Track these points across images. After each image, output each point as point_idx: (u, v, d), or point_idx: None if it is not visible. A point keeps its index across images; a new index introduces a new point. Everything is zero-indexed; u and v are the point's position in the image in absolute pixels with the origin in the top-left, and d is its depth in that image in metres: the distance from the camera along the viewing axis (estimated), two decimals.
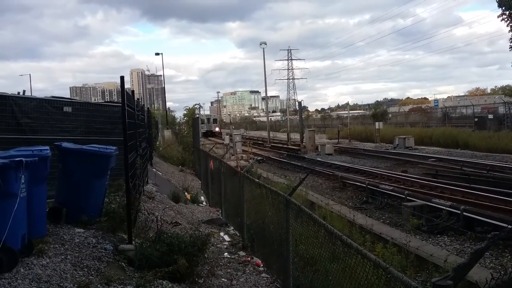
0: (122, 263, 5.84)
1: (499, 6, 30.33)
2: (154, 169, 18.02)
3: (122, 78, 6.07)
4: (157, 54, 57.86)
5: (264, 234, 7.80)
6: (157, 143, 31.41)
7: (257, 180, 8.30)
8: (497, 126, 32.19)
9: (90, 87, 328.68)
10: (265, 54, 42.71)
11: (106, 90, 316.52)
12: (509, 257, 8.00)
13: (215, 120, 73.66)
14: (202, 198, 15.99)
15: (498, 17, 30.78)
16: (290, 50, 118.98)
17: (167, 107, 71.37)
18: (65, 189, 6.65)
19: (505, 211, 10.07)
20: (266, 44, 43.03)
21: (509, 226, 6.70)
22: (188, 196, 15.32)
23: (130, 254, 5.99)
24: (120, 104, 10.73)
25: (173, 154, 27.96)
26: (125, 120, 6.24)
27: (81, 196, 6.58)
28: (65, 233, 6.21)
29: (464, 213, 9.76)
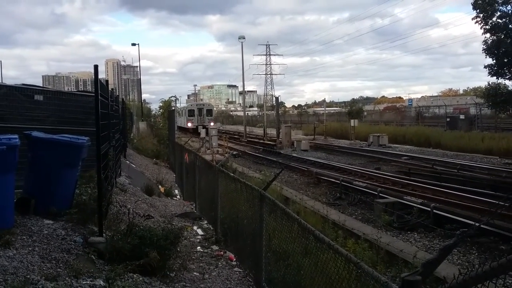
0: (92, 256, 5.72)
1: (474, 8, 30.99)
2: (127, 161, 17.77)
3: (96, 67, 5.94)
4: (133, 44, 56.91)
5: (238, 228, 7.79)
6: (132, 135, 30.99)
7: (232, 174, 8.28)
8: (468, 127, 33.01)
9: (63, 76, 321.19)
10: (244, 48, 42.63)
11: (80, 80, 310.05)
12: (476, 254, 8.22)
13: (209, 112, 53.40)
14: (176, 191, 15.87)
15: (472, 19, 31.46)
16: (269, 45, 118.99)
17: (142, 99, 70.11)
18: (34, 179, 6.48)
19: (474, 209, 10.33)
20: (244, 38, 42.93)
21: (477, 224, 6.86)
22: (162, 189, 15.17)
23: (101, 247, 5.88)
24: (94, 94, 10.56)
25: (147, 146, 27.63)
26: (98, 110, 6.11)
27: (51, 187, 6.42)
28: (33, 224, 6.06)
29: (434, 211, 9.97)
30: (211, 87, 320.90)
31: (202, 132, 30.37)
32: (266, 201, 5.61)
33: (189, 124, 50.77)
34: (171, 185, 16.69)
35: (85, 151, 6.98)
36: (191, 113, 53.21)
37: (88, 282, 4.81)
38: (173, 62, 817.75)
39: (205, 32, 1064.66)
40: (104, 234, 6.14)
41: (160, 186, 15.60)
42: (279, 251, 5.76)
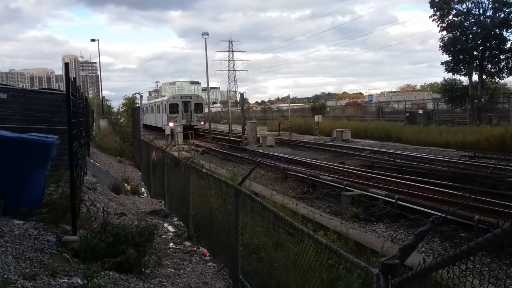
0: (66, 255, 5.67)
1: (431, 7, 32.17)
2: (92, 160, 17.43)
3: (66, 65, 5.86)
4: (93, 40, 55.49)
5: (211, 224, 7.87)
6: (94, 132, 30.32)
7: (205, 171, 8.33)
8: (426, 121, 34.23)
9: (17, 72, 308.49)
10: (207, 44, 42.29)
11: (36, 76, 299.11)
12: (438, 241, 8.64)
13: (199, 107, 41.01)
14: (143, 189, 15.73)
15: (430, 17, 32.66)
16: (232, 41, 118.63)
17: (102, 96, 68.34)
18: (3, 179, 6.32)
19: (435, 199, 10.82)
20: (208, 34, 42.70)
21: (451, 210, 7.26)
22: (129, 188, 15.00)
23: (75, 246, 5.83)
24: (60, 92, 10.36)
25: (110, 144, 27.15)
26: (69, 109, 6.03)
27: (21, 186, 6.30)
28: (4, 225, 5.92)
29: (399, 202, 10.37)
30: (173, 83, 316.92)
31: (167, 129, 30.05)
32: (242, 196, 5.72)
33: (172, 124, 34.54)
34: (138, 183, 16.53)
35: (54, 150, 6.87)
36: (173, 108, 39.71)
37: (65, 280, 4.78)
38: (134, 58, 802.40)
39: (167, 28, 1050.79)
40: (77, 233, 6.09)
41: (126, 185, 15.41)
42: (256, 244, 5.90)
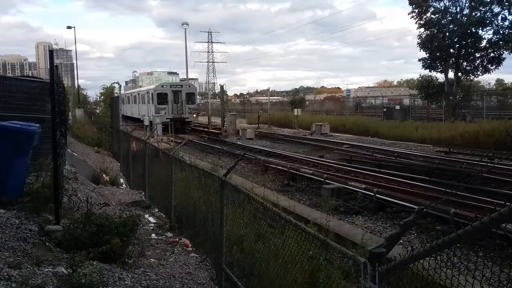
0: (49, 244, 5.65)
1: (410, 4, 32.64)
2: (69, 150, 17.17)
3: (51, 52, 5.78)
4: (69, 27, 54.23)
5: (194, 215, 7.90)
6: (69, 122, 29.79)
7: (189, 162, 8.34)
8: (403, 117, 34.84)
9: None
10: (186, 35, 41.91)
11: (8, 63, 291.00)
12: (415, 234, 8.88)
13: (191, 97, 36.79)
14: (122, 180, 15.61)
15: (408, 14, 33.16)
16: (211, 32, 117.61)
17: (78, 85, 66.90)
18: None
19: (411, 193, 11.09)
20: (188, 25, 42.40)
21: (433, 204, 7.47)
22: (107, 178, 14.87)
23: (58, 235, 5.80)
24: (40, 80, 10.18)
25: (87, 134, 26.75)
26: (54, 97, 5.95)
27: (2, 175, 6.21)
28: None
29: (377, 195, 10.59)
30: (150, 73, 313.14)
31: (146, 120, 29.73)
32: (227, 188, 5.77)
33: (158, 119, 30.44)
34: (116, 173, 16.37)
35: (36, 138, 6.79)
36: (162, 98, 35.25)
37: (50, 269, 4.77)
38: (111, 47, 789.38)
39: (145, 17, 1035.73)
40: (60, 223, 6.04)
41: (104, 175, 15.26)
42: (240, 235, 5.97)
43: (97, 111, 43.78)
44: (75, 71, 70.68)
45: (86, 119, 37.82)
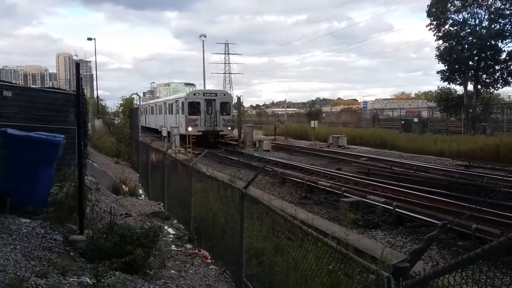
0: (73, 254, 5.75)
1: (428, 16, 32.55)
2: (89, 160, 17.45)
3: (77, 65, 5.96)
4: (89, 39, 55.59)
5: (213, 226, 7.95)
6: (89, 133, 30.28)
7: (209, 174, 8.42)
8: (421, 129, 34.51)
9: (11, 69, 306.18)
10: (204, 46, 42.34)
11: (29, 74, 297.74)
12: (436, 249, 8.78)
13: (225, 107, 32.82)
14: (140, 191, 15.75)
15: (426, 26, 33.05)
16: (228, 44, 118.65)
17: (97, 95, 67.99)
18: (10, 177, 6.39)
19: (431, 207, 10.96)
20: (206, 36, 43.02)
21: (455, 220, 7.39)
22: (126, 189, 15.04)
23: (82, 245, 5.91)
24: (64, 91, 10.43)
25: (106, 145, 27.13)
26: (79, 109, 6.11)
27: (28, 185, 6.36)
28: (11, 223, 5.99)
29: (397, 209, 10.51)
30: (168, 84, 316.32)
31: (164, 131, 30.00)
32: (247, 199, 5.82)
33: (191, 129, 30.11)
34: (135, 184, 16.54)
35: (61, 149, 6.95)
36: (194, 108, 31.57)
37: (75, 279, 4.86)
38: (129, 58, 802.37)
39: (163, 29, 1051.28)
40: (84, 233, 6.16)
41: (124, 186, 15.45)
42: (260, 248, 6.01)
43: (116, 121, 44.42)
44: (94, 82, 72.11)
45: (105, 130, 38.39)
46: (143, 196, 14.96)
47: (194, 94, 33.16)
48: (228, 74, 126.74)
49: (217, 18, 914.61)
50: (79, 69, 6.08)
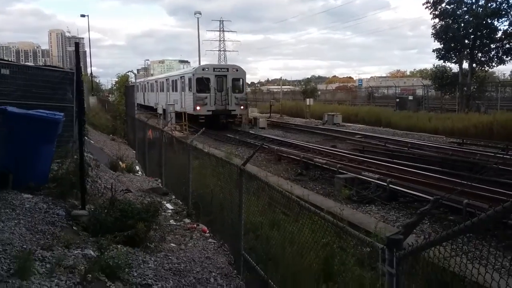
0: (76, 228, 5.91)
1: None
2: (86, 137, 17.50)
3: (77, 44, 5.98)
4: (82, 16, 55.05)
5: (211, 202, 8.12)
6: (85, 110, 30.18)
7: (207, 151, 8.55)
8: (416, 107, 34.69)
9: (2, 46, 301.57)
10: (199, 24, 41.87)
11: (22, 50, 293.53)
12: (428, 223, 9.02)
13: (237, 84, 29.97)
14: (137, 167, 15.88)
15: (423, 4, 32.86)
16: (223, 21, 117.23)
17: (91, 73, 67.41)
18: (11, 154, 6.48)
19: (425, 184, 11.18)
20: (201, 14, 42.46)
21: (447, 195, 7.61)
22: (123, 165, 15.14)
23: (84, 220, 6.06)
24: (61, 69, 10.43)
25: (102, 122, 27.14)
26: (79, 87, 6.20)
27: (29, 162, 6.47)
28: (14, 198, 6.12)
29: (390, 186, 10.72)
30: (162, 62, 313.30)
31: (159, 108, 29.92)
32: (245, 176, 5.97)
33: (199, 108, 28.09)
34: (132, 161, 16.65)
35: (61, 126, 7.03)
36: (203, 85, 28.59)
37: (79, 251, 5.03)
38: (123, 35, 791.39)
39: (157, 6, 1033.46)
40: (85, 208, 6.31)
41: (121, 163, 15.55)
42: (258, 222, 6.19)
43: (110, 99, 44.20)
44: (88, 59, 70.92)
45: (99, 107, 38.26)
46: (140, 172, 15.09)
47: (203, 69, 29.42)
48: (223, 52, 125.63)
49: None
50: (78, 48, 6.10)
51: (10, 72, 8.79)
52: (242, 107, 29.66)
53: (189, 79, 29.37)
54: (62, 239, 5.19)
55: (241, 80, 29.94)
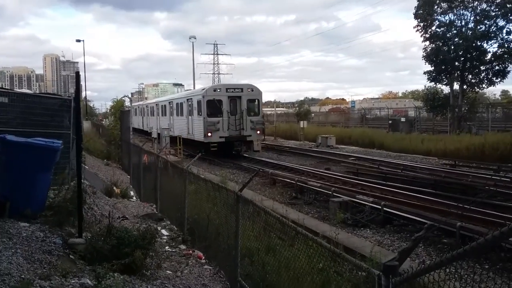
0: (73, 257, 5.91)
1: (415, 18, 33.05)
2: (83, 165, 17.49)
3: (77, 73, 6.08)
4: (78, 41, 55.31)
5: (207, 228, 8.14)
6: None
7: (203, 177, 8.61)
8: (409, 129, 35.02)
9: None
10: (194, 47, 42.31)
11: (16, 75, 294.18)
12: (422, 246, 9.07)
13: (253, 105, 26.98)
14: (132, 193, 15.86)
15: (414, 27, 33.56)
16: (217, 44, 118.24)
17: (85, 97, 67.43)
18: (9, 182, 6.51)
19: (418, 206, 11.27)
20: (195, 38, 43.02)
21: (443, 219, 7.68)
22: (118, 191, 15.13)
23: (81, 248, 6.06)
24: (59, 97, 10.54)
25: (97, 147, 27.11)
26: (79, 116, 6.27)
27: (27, 190, 6.49)
28: (11, 227, 6.12)
29: (385, 209, 10.79)
30: (156, 85, 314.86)
31: (154, 132, 29.97)
32: (241, 202, 6.03)
33: (210, 134, 24.91)
34: (126, 186, 16.64)
35: (59, 154, 7.08)
36: (214, 108, 25.42)
37: (76, 281, 5.03)
38: (118, 58, 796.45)
39: (152, 29, 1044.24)
40: (82, 236, 6.32)
41: (115, 188, 15.54)
42: (255, 248, 6.22)
43: (103, 122, 44.19)
44: (83, 83, 71.14)
45: (93, 131, 38.24)
46: (134, 198, 15.07)
47: (215, 90, 26.05)
48: (217, 75, 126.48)
49: (206, 18, 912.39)
50: (79, 78, 6.20)
51: (9, 100, 8.88)
52: (258, 132, 26.28)
53: (198, 102, 26.24)
54: (59, 268, 5.20)
55: (256, 101, 26.79)
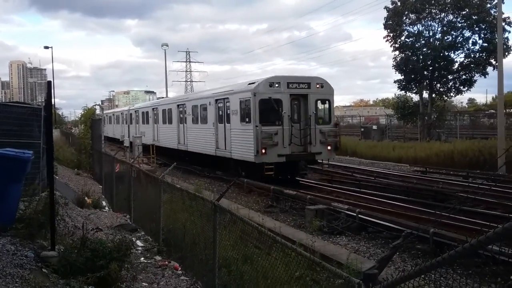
0: (45, 270, 5.74)
1: (385, 28, 33.85)
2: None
3: (49, 83, 5.95)
4: (46, 47, 54.08)
5: (184, 238, 8.05)
6: None
7: (179, 186, 8.52)
8: (380, 136, 35.68)
9: None
10: (166, 55, 42.06)
11: None
12: (398, 253, 9.19)
13: (322, 115, 18.43)
14: (104, 203, 15.56)
15: (383, 38, 34.33)
16: (189, 52, 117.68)
17: (54, 104, 65.96)
18: None
19: (392, 213, 11.46)
20: (168, 46, 42.76)
21: (421, 227, 7.80)
22: (89, 201, 14.81)
23: (54, 261, 5.90)
24: (29, 106, 10.29)
25: (66, 156, 26.48)
26: (51, 126, 6.11)
27: None
28: None
29: (360, 216, 10.92)
30: (127, 92, 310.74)
31: (126, 141, 29.46)
32: (219, 212, 5.99)
33: (264, 151, 16.57)
34: (98, 196, 16.31)
35: (29, 165, 6.87)
36: (269, 111, 17.28)
37: None
38: (87, 65, 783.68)
39: (123, 37, 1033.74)
40: (55, 248, 6.15)
41: (87, 198, 15.21)
42: (227, 257, 6.19)
43: (73, 131, 43.24)
44: (53, 91, 69.49)
45: (63, 140, 37.38)
46: (107, 208, 14.78)
47: (271, 86, 17.37)
48: (189, 82, 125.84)
49: (178, 26, 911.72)
50: (51, 87, 6.06)
51: None
52: (329, 148, 18.25)
53: (243, 102, 17.98)
54: (32, 283, 5.04)
55: (327, 102, 18.82)
